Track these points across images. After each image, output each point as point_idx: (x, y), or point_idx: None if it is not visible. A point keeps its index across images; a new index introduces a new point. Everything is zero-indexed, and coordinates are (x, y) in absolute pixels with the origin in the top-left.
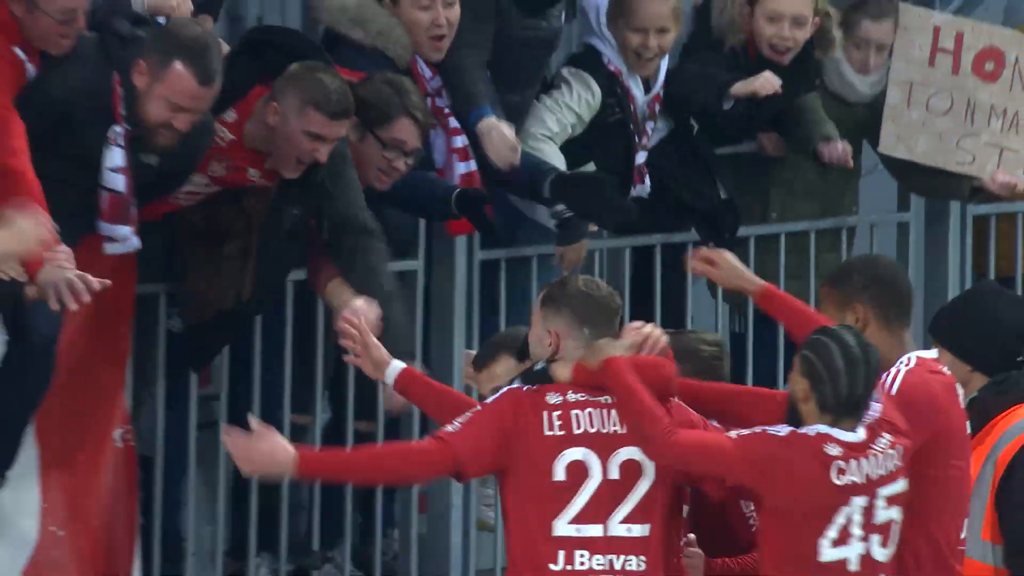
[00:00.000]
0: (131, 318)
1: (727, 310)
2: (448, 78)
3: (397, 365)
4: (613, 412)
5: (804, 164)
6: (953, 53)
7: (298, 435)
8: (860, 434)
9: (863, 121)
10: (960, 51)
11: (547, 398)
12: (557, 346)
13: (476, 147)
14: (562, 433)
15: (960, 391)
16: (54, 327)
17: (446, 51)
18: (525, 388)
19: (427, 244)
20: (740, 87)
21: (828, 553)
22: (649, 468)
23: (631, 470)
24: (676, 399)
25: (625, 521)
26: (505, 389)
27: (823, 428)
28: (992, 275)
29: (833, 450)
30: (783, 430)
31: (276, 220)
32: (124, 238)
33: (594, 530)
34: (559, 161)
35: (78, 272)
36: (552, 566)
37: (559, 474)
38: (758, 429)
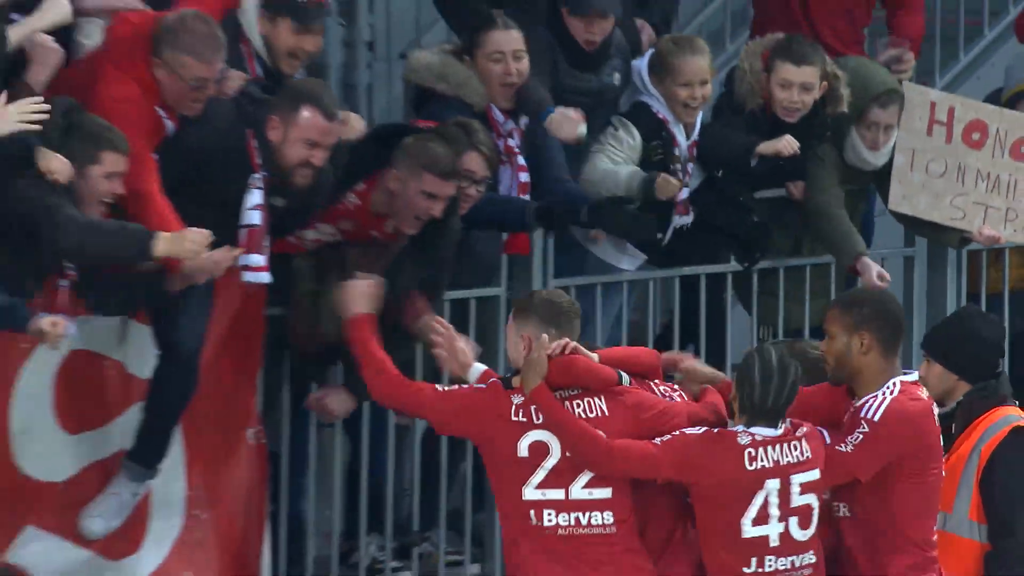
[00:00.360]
0: (261, 336)
1: (757, 330)
2: (519, 98)
3: (479, 367)
4: (570, 403)
5: None
6: (947, 125)
7: (401, 434)
8: (778, 431)
9: (879, 177)
10: (952, 123)
11: (512, 398)
12: (529, 348)
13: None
14: (525, 420)
15: (935, 410)
16: (197, 343)
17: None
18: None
19: (508, 272)
20: (765, 147)
21: (750, 530)
22: None
23: None
24: (657, 380)
25: (587, 486)
26: (492, 381)
27: (739, 426)
28: (984, 290)
29: (744, 439)
30: (700, 429)
31: (397, 270)
32: (258, 266)
33: (557, 494)
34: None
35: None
36: (531, 522)
37: (523, 451)
38: (678, 432)
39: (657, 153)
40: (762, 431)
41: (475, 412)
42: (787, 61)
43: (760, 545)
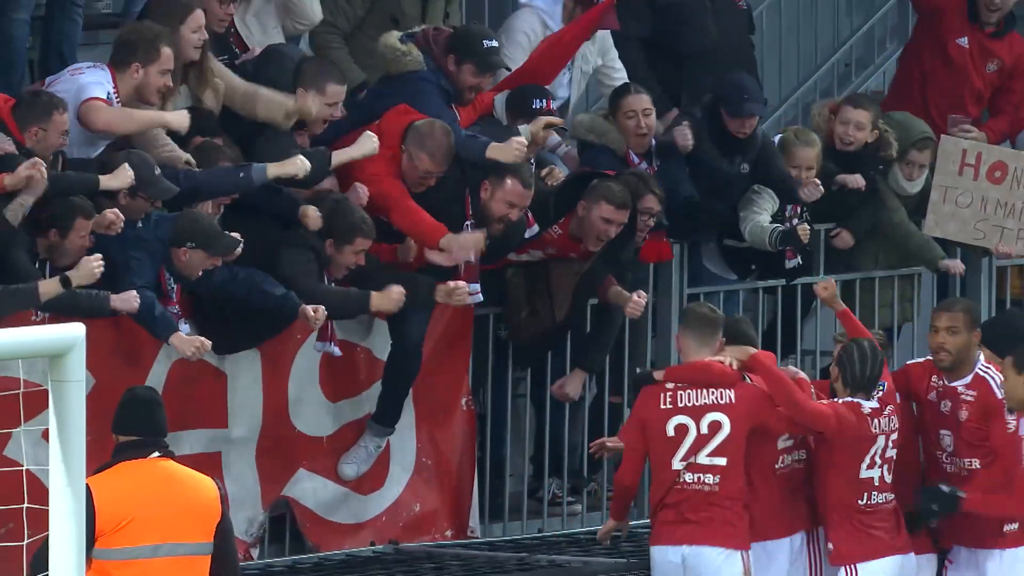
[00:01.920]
0: (471, 329)
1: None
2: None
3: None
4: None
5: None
6: (975, 167)
7: (575, 403)
8: (874, 402)
9: (917, 208)
10: (979, 165)
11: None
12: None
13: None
14: (670, 406)
15: None
16: (420, 335)
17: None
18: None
19: (654, 282)
20: (844, 178)
21: (865, 472)
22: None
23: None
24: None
25: (711, 455)
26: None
27: (849, 398)
28: (1008, 296)
29: (866, 409)
30: (841, 400)
31: (591, 277)
32: (474, 291)
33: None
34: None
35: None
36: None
37: (670, 431)
38: (827, 402)
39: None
40: (866, 403)
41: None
42: (848, 104)
43: (868, 483)
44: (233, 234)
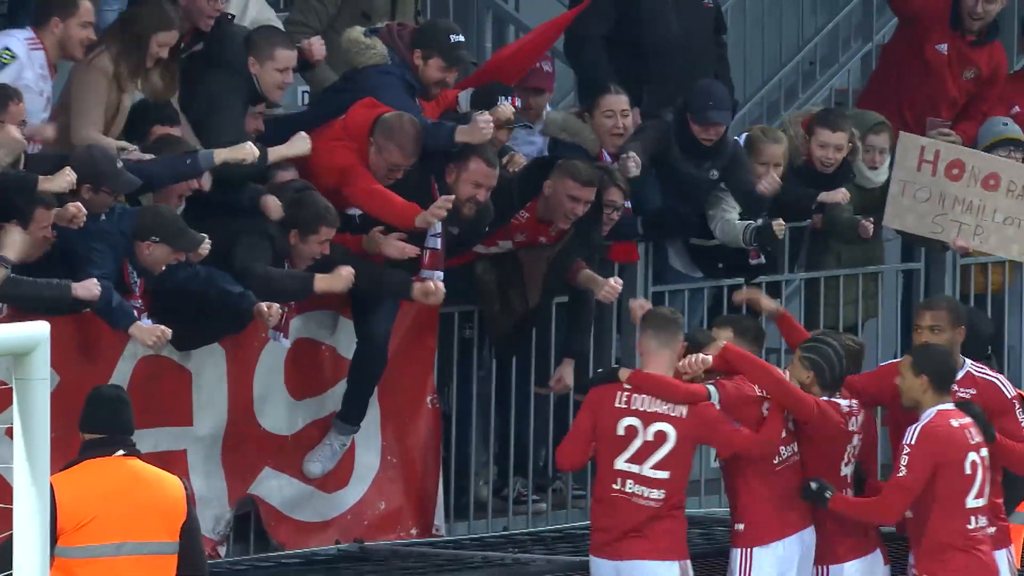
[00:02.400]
0: (436, 326)
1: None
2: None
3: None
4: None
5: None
6: (933, 163)
7: (539, 401)
8: (850, 402)
9: (877, 200)
10: (937, 162)
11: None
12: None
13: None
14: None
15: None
16: (385, 333)
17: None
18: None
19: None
20: (826, 196)
21: (844, 470)
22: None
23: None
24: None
25: (655, 467)
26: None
27: (826, 397)
28: (972, 292)
29: (844, 408)
30: (824, 398)
31: (562, 260)
32: (439, 279)
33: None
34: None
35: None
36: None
37: (620, 430)
38: (814, 399)
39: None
40: (843, 402)
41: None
42: (825, 127)
43: (845, 481)
44: (201, 235)
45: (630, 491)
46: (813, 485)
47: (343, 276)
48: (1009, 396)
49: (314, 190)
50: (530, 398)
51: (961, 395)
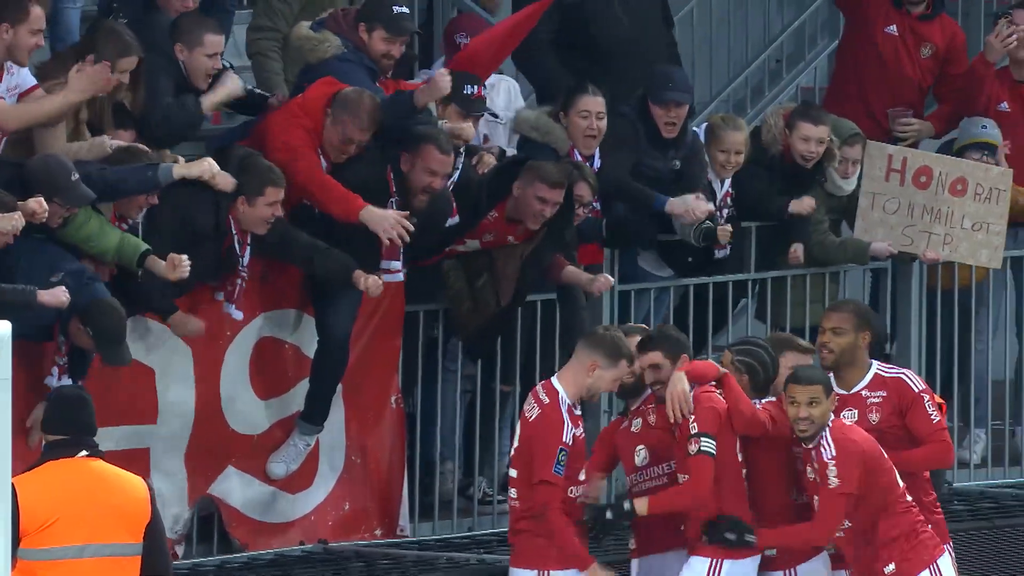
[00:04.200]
0: (401, 326)
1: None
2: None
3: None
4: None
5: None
6: (900, 171)
7: (504, 403)
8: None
9: (847, 208)
10: (905, 170)
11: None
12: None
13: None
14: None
15: None
16: (346, 331)
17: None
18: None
19: None
20: (795, 205)
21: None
22: None
23: None
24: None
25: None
26: None
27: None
28: (939, 287)
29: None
30: (764, 401)
31: (536, 259)
32: (396, 269)
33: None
34: None
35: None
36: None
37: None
38: (761, 404)
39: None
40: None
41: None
42: (807, 121)
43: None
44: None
45: (511, 497)
46: (731, 536)
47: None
48: (917, 390)
49: (258, 155)
50: (495, 400)
51: (873, 400)
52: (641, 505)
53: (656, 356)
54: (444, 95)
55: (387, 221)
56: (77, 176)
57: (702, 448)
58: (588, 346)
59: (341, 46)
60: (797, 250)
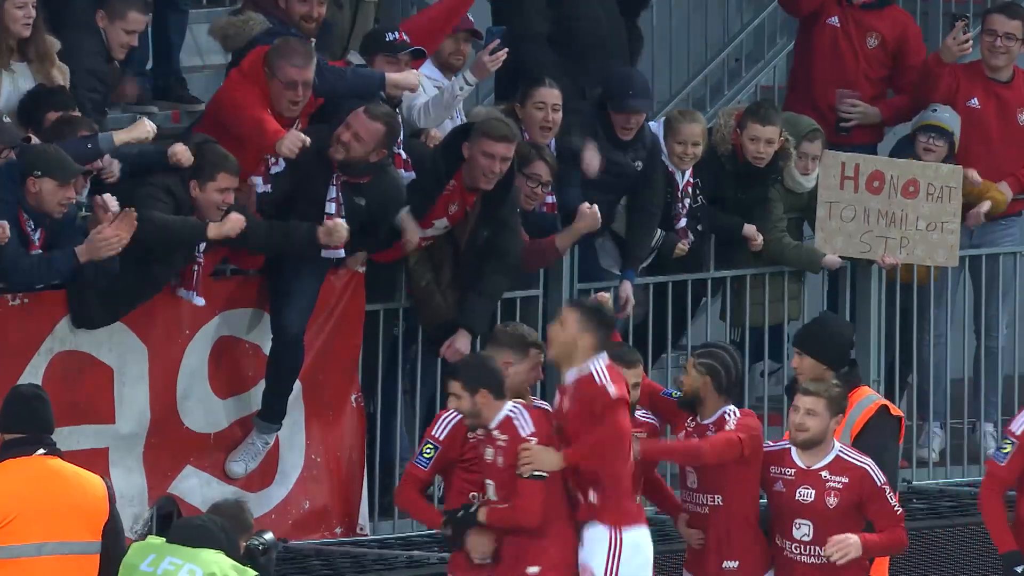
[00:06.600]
0: (361, 324)
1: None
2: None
3: None
4: None
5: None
6: (854, 178)
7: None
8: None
9: (809, 205)
10: (858, 176)
11: None
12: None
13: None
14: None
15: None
16: (300, 328)
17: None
18: None
19: (544, 277)
20: (748, 230)
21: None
22: None
23: None
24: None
25: None
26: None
27: (731, 407)
28: (898, 283)
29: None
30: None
31: (474, 241)
32: (335, 246)
33: None
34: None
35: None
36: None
37: None
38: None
39: (667, 194)
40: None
41: None
42: (756, 122)
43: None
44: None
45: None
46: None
47: (232, 219)
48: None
49: (214, 142)
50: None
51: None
52: (482, 514)
53: (455, 386)
54: (413, 90)
55: (287, 140)
56: (8, 119)
57: (534, 474)
58: (494, 347)
59: (266, 21)
60: (752, 231)
